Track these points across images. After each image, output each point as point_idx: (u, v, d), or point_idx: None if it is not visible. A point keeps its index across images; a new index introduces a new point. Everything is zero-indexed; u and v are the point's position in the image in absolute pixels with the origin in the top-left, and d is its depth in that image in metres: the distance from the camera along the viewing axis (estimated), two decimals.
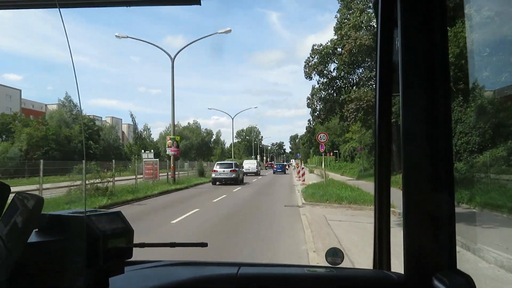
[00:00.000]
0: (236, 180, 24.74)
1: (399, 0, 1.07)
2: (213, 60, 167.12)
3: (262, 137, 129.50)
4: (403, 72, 1.07)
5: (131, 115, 75.59)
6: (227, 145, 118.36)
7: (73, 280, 0.93)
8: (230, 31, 23.61)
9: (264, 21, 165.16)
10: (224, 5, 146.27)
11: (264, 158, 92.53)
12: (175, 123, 29.36)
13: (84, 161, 15.63)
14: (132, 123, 71.33)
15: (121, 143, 60.23)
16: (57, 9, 0.99)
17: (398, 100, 1.11)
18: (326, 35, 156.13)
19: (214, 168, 25.29)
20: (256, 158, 63.74)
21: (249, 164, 39.28)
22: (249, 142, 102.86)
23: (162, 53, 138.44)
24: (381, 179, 1.35)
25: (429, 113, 1.04)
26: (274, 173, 46.60)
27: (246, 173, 34.24)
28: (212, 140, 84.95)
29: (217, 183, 24.57)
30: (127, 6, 1.22)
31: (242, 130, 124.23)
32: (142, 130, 76.71)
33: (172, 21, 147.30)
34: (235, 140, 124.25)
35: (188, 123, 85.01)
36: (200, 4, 1.17)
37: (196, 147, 77.73)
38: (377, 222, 1.34)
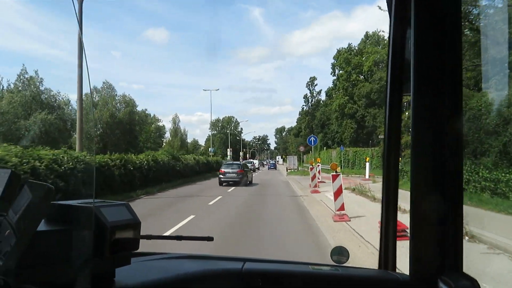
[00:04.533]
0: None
1: None
2: (195, 56, 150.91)
3: (241, 128, 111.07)
4: (415, 72, 1.06)
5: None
6: (201, 139, 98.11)
7: (80, 270, 0.93)
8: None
9: (247, 17, 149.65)
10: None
11: (241, 154, 72.74)
12: None
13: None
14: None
15: None
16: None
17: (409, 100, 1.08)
18: (311, 32, 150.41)
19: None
20: (228, 154, 57.63)
21: (252, 162, 59.03)
22: (226, 135, 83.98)
23: (144, 49, 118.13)
24: (389, 180, 1.35)
25: (440, 115, 1.03)
26: (268, 169, 61.96)
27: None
28: (139, 119, 45.40)
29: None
30: None
31: (218, 120, 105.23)
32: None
33: (151, 15, 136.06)
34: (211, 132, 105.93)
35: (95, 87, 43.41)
36: None
37: (104, 132, 39.92)
38: (384, 222, 1.35)
